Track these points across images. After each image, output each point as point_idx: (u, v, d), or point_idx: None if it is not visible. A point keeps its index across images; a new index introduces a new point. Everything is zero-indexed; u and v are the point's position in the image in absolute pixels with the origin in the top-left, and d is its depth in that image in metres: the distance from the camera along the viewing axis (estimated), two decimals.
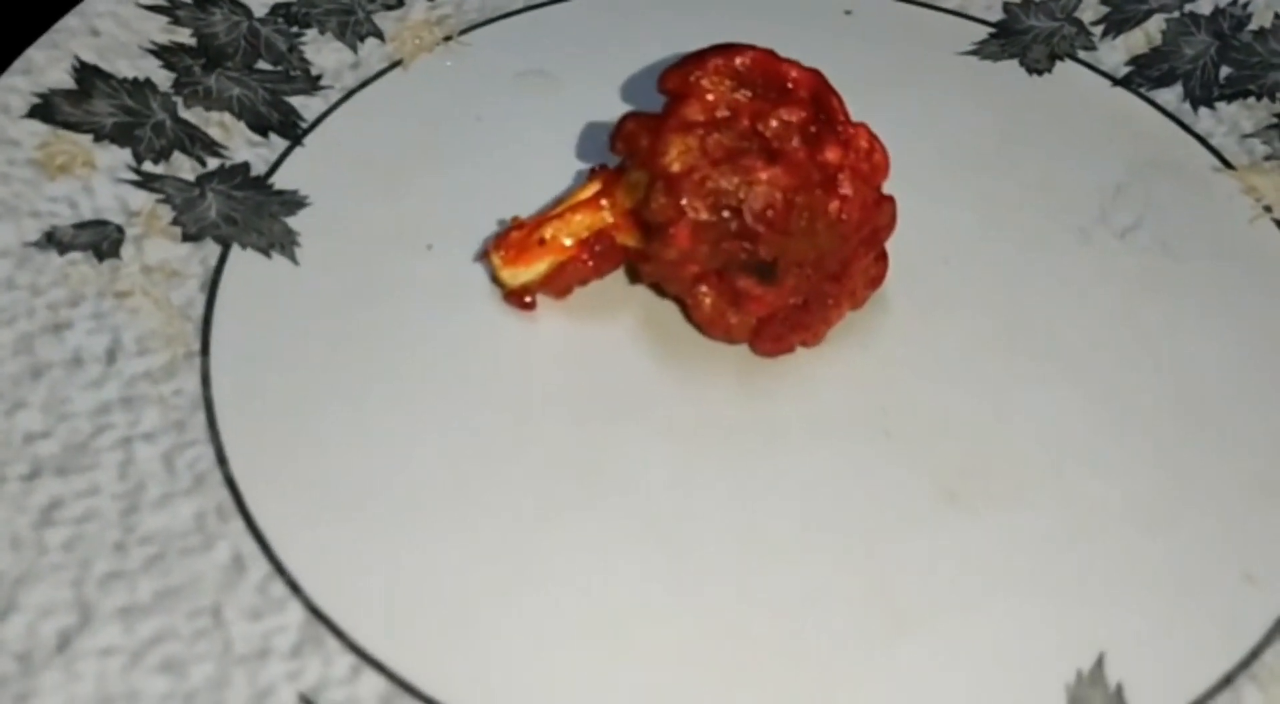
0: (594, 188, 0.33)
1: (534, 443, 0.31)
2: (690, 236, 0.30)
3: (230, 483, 0.29)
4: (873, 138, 0.30)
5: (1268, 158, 0.39)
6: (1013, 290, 0.35)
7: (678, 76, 0.30)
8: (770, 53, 0.30)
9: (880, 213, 0.31)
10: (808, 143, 0.30)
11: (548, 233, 0.33)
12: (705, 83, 0.30)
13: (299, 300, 0.34)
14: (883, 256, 0.33)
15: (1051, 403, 0.32)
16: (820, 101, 0.30)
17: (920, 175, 0.36)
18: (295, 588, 0.28)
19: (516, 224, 0.33)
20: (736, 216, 0.29)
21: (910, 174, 0.34)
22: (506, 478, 0.30)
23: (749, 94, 0.30)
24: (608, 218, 0.32)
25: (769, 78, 0.30)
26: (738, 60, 0.30)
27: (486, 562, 0.29)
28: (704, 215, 0.30)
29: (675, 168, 0.29)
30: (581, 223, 0.32)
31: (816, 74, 0.31)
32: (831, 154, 0.30)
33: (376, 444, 0.31)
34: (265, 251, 0.35)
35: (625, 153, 0.31)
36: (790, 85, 0.30)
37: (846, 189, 0.30)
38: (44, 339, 0.31)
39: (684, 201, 0.29)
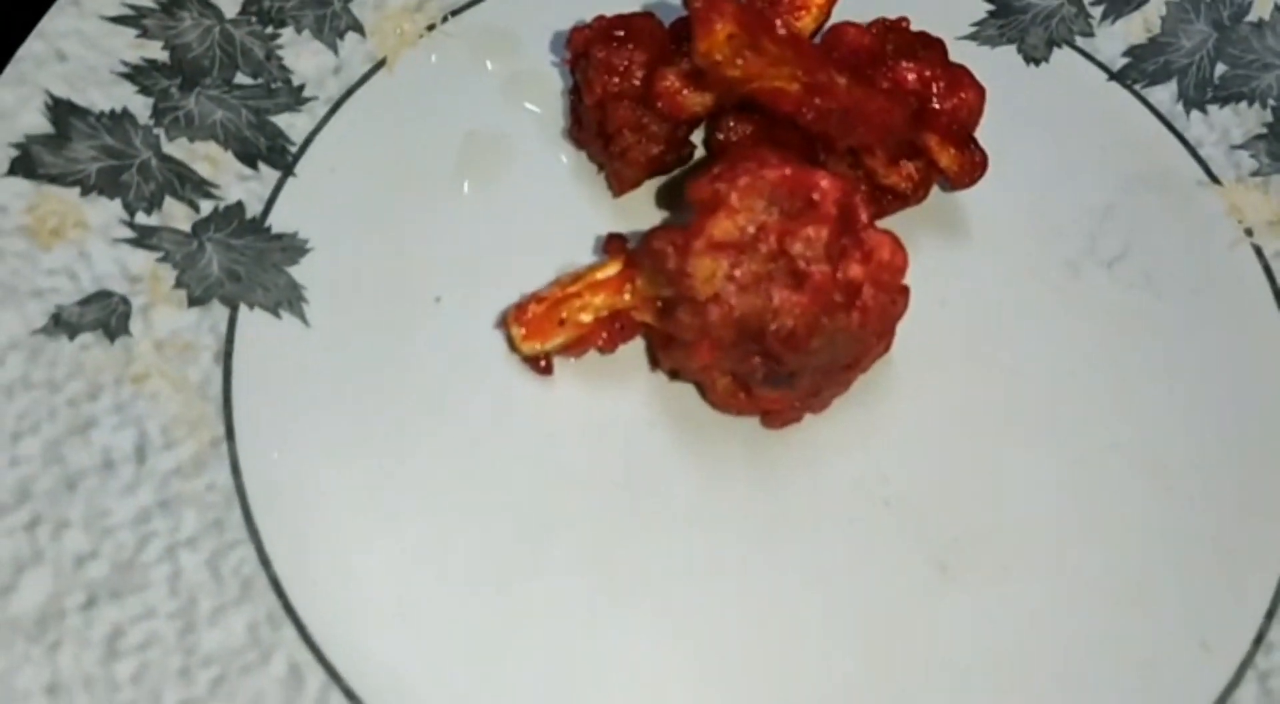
0: (614, 268, 0.33)
1: (556, 529, 0.32)
2: (712, 353, 0.31)
3: (277, 586, 0.31)
4: (895, 245, 0.31)
5: (1254, 173, 0.40)
6: (1006, 336, 0.37)
7: (707, 188, 0.30)
8: (800, 165, 0.30)
9: (897, 305, 0.32)
10: (832, 260, 0.30)
11: (566, 313, 0.33)
12: (734, 199, 0.30)
13: (313, 366, 0.34)
14: (894, 329, 0.34)
15: (1039, 466, 0.35)
16: (846, 211, 0.30)
17: None
18: (351, 696, 0.30)
19: (536, 298, 0.34)
20: (760, 340, 0.30)
21: None
22: (537, 569, 0.32)
23: (776, 212, 0.30)
24: (629, 300, 0.33)
25: (796, 192, 0.30)
26: (767, 176, 0.30)
27: (529, 658, 0.31)
28: (728, 337, 0.30)
29: (702, 293, 0.30)
30: (601, 303, 0.33)
31: (845, 182, 0.31)
32: (855, 270, 0.30)
33: (407, 529, 0.32)
34: (274, 311, 0.35)
35: (651, 268, 0.31)
36: (817, 197, 0.30)
37: (867, 300, 0.31)
38: (72, 443, 0.31)
39: (709, 325, 0.30)
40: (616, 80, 0.34)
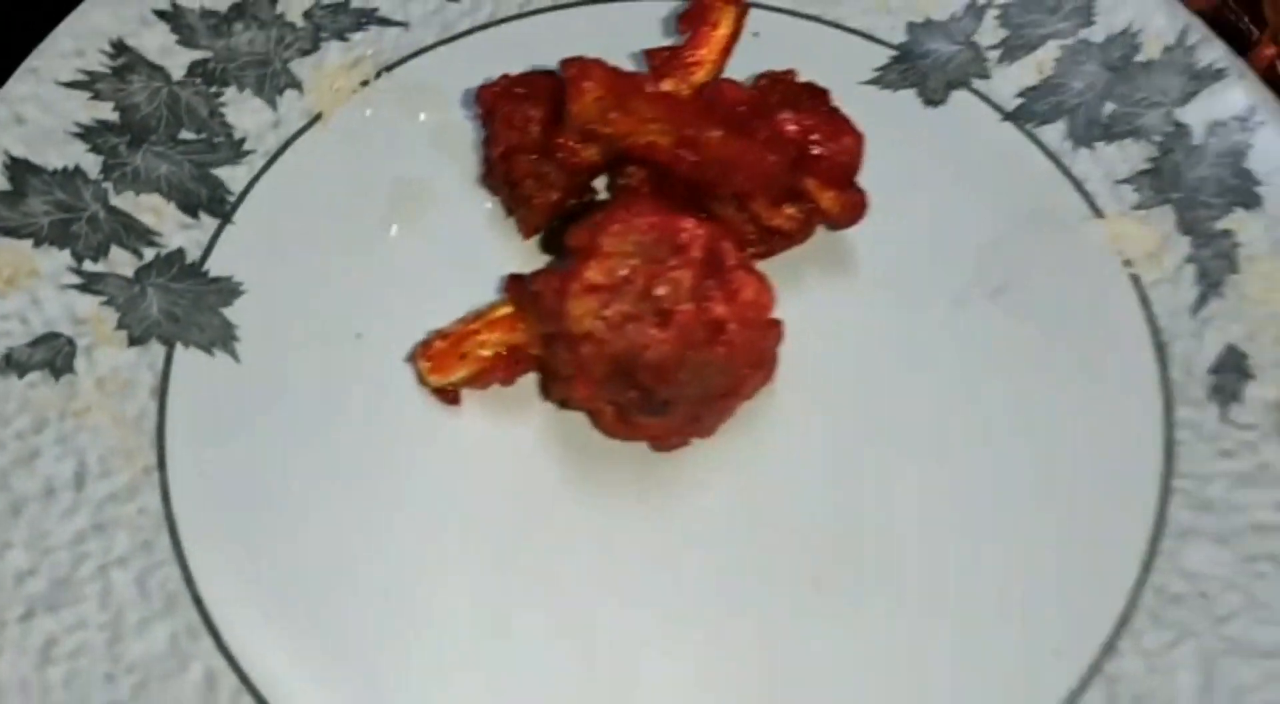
0: (508, 308, 0.36)
1: (460, 547, 0.35)
2: (589, 387, 0.34)
3: (198, 601, 0.34)
4: (759, 284, 0.34)
5: (1136, 206, 0.42)
6: (889, 366, 0.39)
7: (583, 235, 0.33)
8: (669, 213, 0.33)
9: (767, 339, 0.35)
10: (697, 300, 0.33)
11: (466, 348, 0.36)
12: (607, 244, 0.33)
13: (241, 399, 0.37)
14: (774, 359, 0.36)
15: (911, 488, 0.37)
16: (712, 254, 0.33)
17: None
18: (261, 700, 0.33)
19: (440, 334, 0.37)
20: (630, 373, 0.33)
21: None
22: (440, 584, 0.35)
23: (645, 256, 0.33)
24: (521, 336, 0.36)
25: (664, 238, 0.33)
26: (636, 223, 0.33)
27: (425, 668, 0.34)
28: (602, 371, 0.33)
29: (576, 330, 0.33)
30: (498, 340, 0.36)
31: (711, 227, 0.33)
32: (719, 309, 0.33)
33: (324, 549, 0.35)
34: (208, 349, 0.38)
35: (534, 308, 0.34)
36: (685, 240, 0.33)
37: (732, 336, 0.33)
38: (18, 473, 0.35)
39: (583, 360, 0.33)
40: (517, 133, 0.37)
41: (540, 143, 0.37)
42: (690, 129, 0.34)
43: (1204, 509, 0.37)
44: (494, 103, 0.38)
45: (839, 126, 0.38)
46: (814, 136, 0.37)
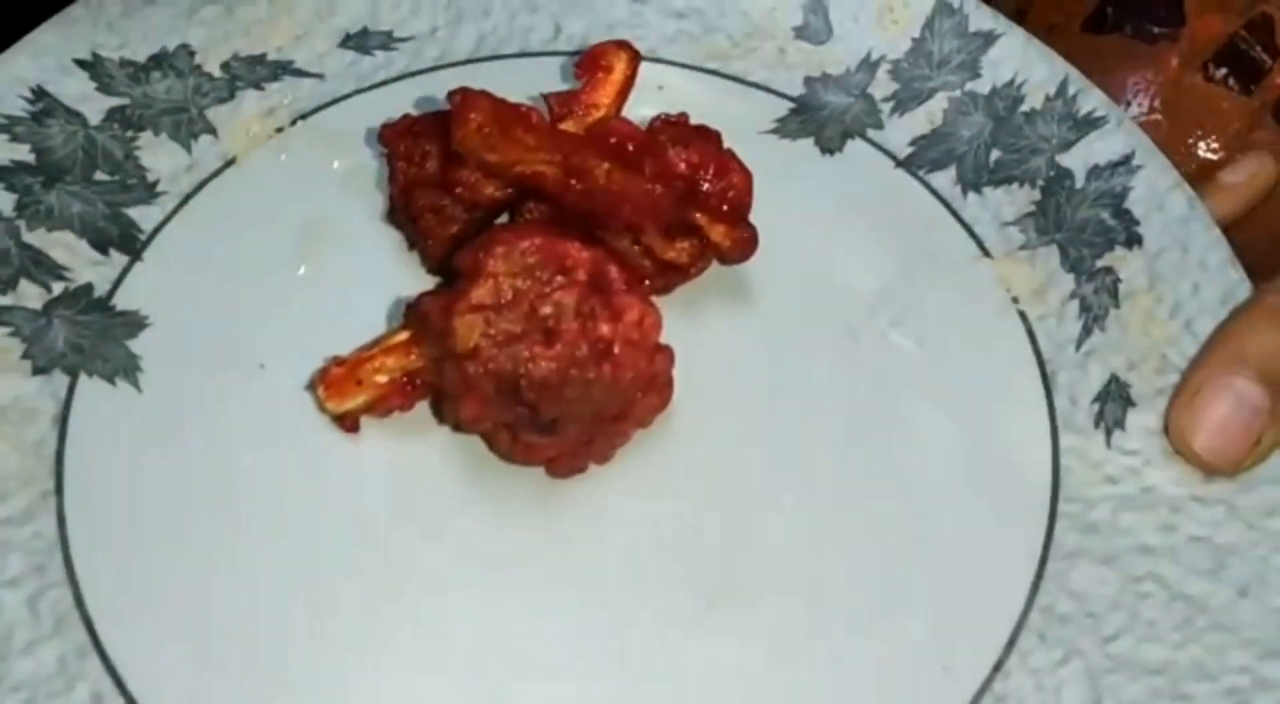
0: (404, 335, 0.37)
1: (357, 575, 0.36)
2: (478, 405, 0.34)
3: (88, 623, 0.34)
4: (645, 307, 0.35)
5: (1021, 247, 0.44)
6: (784, 396, 0.40)
7: (469, 257, 0.34)
8: (554, 234, 0.34)
9: (655, 363, 0.36)
10: (582, 320, 0.34)
11: (363, 374, 0.37)
12: (492, 264, 0.34)
13: (143, 429, 0.38)
14: (667, 385, 0.37)
15: (803, 510, 0.38)
16: (598, 277, 0.34)
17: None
18: None
19: (337, 362, 0.37)
20: (517, 390, 0.34)
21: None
22: (336, 613, 0.35)
23: (531, 276, 0.34)
24: (416, 362, 0.37)
25: (550, 259, 0.34)
26: (521, 245, 0.34)
27: (329, 693, 0.34)
28: (489, 389, 0.34)
29: (462, 349, 0.34)
30: (394, 365, 0.37)
31: (596, 252, 0.35)
32: (605, 329, 0.34)
33: (218, 574, 0.36)
34: (110, 379, 0.38)
35: (422, 329, 0.35)
36: (570, 263, 0.34)
37: (618, 356, 0.34)
38: None
39: (470, 377, 0.34)
40: (416, 169, 0.39)
41: (438, 178, 0.38)
42: (577, 158, 0.36)
43: (1090, 532, 0.38)
44: (394, 141, 0.39)
45: (727, 164, 0.39)
46: (702, 173, 0.39)
